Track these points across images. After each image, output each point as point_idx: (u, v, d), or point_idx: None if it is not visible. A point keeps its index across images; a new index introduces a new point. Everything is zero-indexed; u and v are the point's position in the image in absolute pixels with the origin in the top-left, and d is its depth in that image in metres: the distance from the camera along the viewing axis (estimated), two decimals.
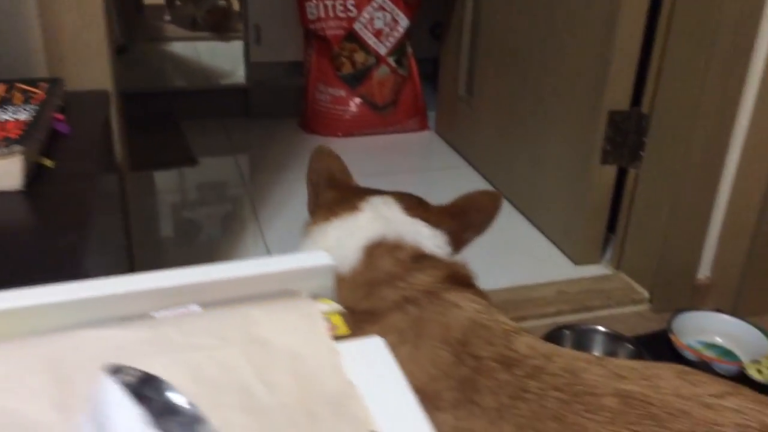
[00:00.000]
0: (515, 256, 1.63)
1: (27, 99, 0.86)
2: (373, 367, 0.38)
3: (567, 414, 0.57)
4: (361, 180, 0.97)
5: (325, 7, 2.17)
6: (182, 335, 0.36)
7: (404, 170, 2.20)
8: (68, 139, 0.86)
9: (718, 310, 1.39)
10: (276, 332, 0.37)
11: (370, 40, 2.23)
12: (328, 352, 0.37)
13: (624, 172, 1.50)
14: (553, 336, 1.27)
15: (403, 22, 2.24)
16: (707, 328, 1.33)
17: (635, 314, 1.43)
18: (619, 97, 1.43)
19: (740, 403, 0.57)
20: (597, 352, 1.28)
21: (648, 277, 1.46)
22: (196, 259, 1.59)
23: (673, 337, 1.27)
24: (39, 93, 0.88)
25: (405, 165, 2.24)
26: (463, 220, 0.86)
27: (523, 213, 1.79)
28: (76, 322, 0.37)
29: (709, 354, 1.28)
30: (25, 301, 0.38)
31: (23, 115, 0.81)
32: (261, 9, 2.30)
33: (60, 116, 0.88)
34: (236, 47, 2.58)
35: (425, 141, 2.38)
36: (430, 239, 0.80)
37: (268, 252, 1.61)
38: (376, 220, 0.80)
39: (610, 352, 1.27)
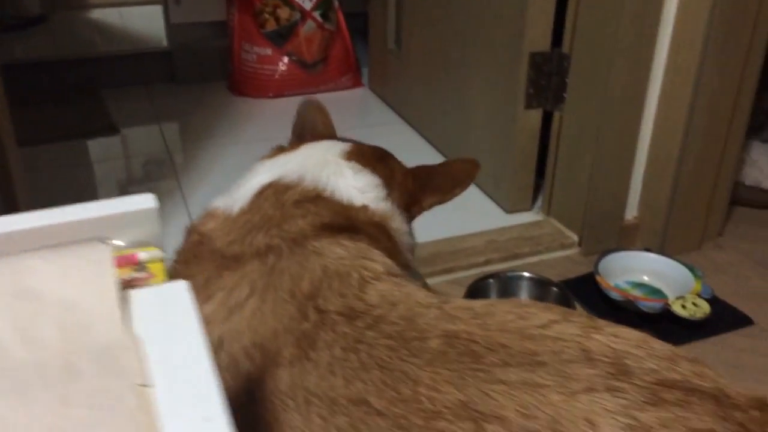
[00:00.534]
0: (447, 208, 1.59)
1: None
2: (168, 316, 0.33)
3: (392, 360, 0.55)
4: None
5: None
6: None
7: (337, 129, 2.14)
8: None
9: (647, 250, 1.38)
10: (51, 282, 0.33)
11: None
12: (107, 301, 0.32)
13: (549, 115, 1.47)
14: (478, 286, 1.24)
15: None
16: (634, 268, 1.32)
17: (565, 259, 1.42)
18: (539, 38, 1.39)
19: (563, 330, 0.55)
20: (524, 299, 1.26)
21: (577, 221, 1.44)
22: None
23: (599, 278, 1.25)
24: None
25: (337, 124, 2.17)
26: (425, 183, 0.84)
27: None
28: None
29: (636, 293, 1.28)
30: None
31: None
32: None
33: None
34: (159, 10, 2.47)
35: (359, 98, 2.32)
36: (356, 188, 0.78)
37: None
38: (290, 162, 0.78)
39: (536, 298, 1.25)
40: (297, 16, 2.15)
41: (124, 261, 0.38)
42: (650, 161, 1.37)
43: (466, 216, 1.55)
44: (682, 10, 1.24)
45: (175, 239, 0.76)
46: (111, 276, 0.34)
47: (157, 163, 1.84)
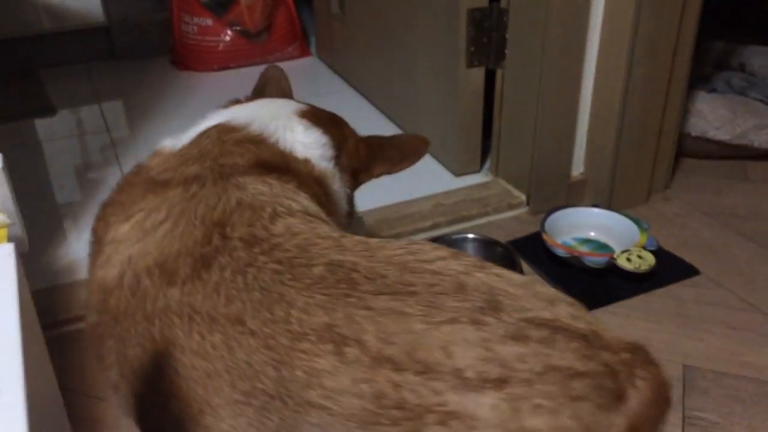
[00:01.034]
0: (398, 174, 1.57)
1: None
2: None
3: (274, 284, 0.56)
4: None
5: None
6: None
7: None
8: None
9: (595, 206, 1.37)
10: None
11: None
12: None
13: (492, 73, 1.44)
14: None
15: None
16: (581, 224, 1.31)
17: (513, 219, 1.40)
18: None
19: (446, 265, 0.55)
20: None
21: (524, 181, 1.42)
22: (50, 215, 1.47)
23: (545, 236, 1.24)
24: None
25: None
26: (377, 152, 0.87)
27: (402, 129, 1.72)
28: None
29: (582, 249, 1.26)
30: None
31: None
32: None
33: None
34: None
35: (307, 67, 2.26)
36: (303, 142, 0.79)
37: None
38: (242, 110, 0.81)
39: (482, 258, 1.23)
40: None
41: None
42: (593, 115, 1.35)
43: (416, 181, 1.52)
44: None
45: None
46: None
47: (95, 142, 1.78)
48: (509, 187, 1.46)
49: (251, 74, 2.31)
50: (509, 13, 1.33)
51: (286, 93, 0.94)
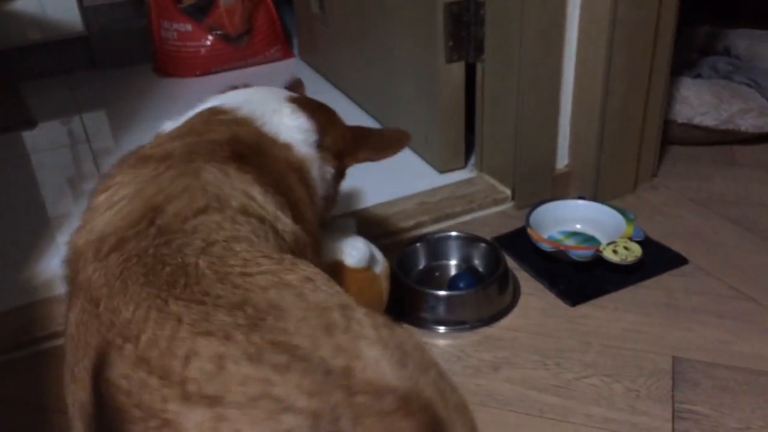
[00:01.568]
0: (381, 173, 1.53)
1: None
2: None
3: (132, 275, 0.58)
4: None
5: None
6: None
7: None
8: None
9: (581, 198, 1.35)
10: None
11: None
12: None
13: (472, 68, 1.42)
14: (408, 253, 1.20)
15: None
16: (567, 217, 1.28)
17: (499, 214, 1.38)
18: None
19: (264, 279, 0.58)
20: (453, 259, 1.22)
21: (508, 175, 1.40)
22: (31, 229, 1.45)
23: (529, 231, 1.21)
24: None
25: None
26: (362, 139, 0.95)
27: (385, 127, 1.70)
28: None
29: (569, 243, 1.24)
30: None
31: None
32: None
33: None
34: None
35: (290, 69, 2.24)
36: (287, 126, 0.85)
37: None
38: (236, 95, 0.88)
39: (466, 256, 1.21)
40: None
41: None
42: (576, 106, 1.33)
43: (400, 179, 1.50)
44: None
45: None
46: None
47: (75, 154, 1.76)
48: (494, 182, 1.44)
49: (234, 78, 2.31)
50: (486, 5, 1.31)
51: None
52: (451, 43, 1.38)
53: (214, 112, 0.84)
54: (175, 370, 0.49)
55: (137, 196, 0.67)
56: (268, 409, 0.46)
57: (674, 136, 1.54)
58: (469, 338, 1.06)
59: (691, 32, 1.83)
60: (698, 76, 1.65)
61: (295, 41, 2.32)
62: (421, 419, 0.48)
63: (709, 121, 1.51)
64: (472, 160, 1.53)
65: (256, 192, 0.72)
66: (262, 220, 0.70)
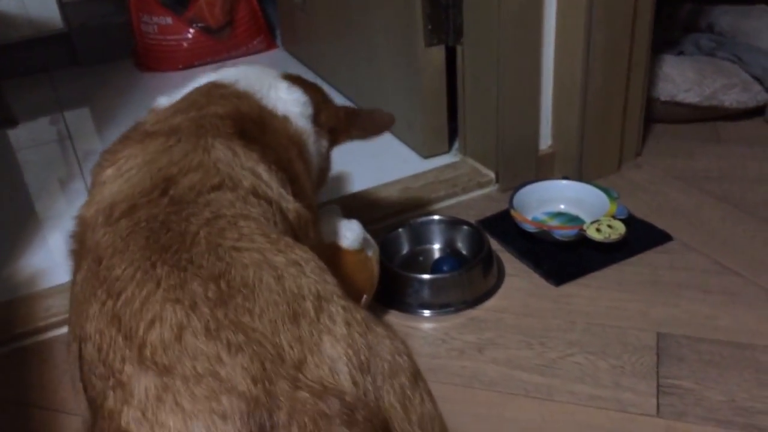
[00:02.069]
0: (365, 160, 1.53)
1: None
2: None
3: (136, 238, 0.59)
4: None
5: None
6: None
7: None
8: None
9: (565, 178, 1.34)
10: None
11: None
12: None
13: (453, 51, 1.40)
14: (391, 238, 1.19)
15: None
16: (550, 198, 1.28)
17: (483, 197, 1.37)
18: None
19: (251, 256, 0.57)
20: (437, 243, 1.21)
21: (492, 158, 1.39)
22: (12, 226, 1.43)
23: (513, 213, 1.21)
24: None
25: None
26: (352, 117, 0.99)
27: None
28: None
29: (553, 223, 1.24)
30: None
31: None
32: None
33: None
34: None
35: (274, 60, 2.22)
36: (284, 99, 0.88)
37: None
38: (231, 71, 0.90)
39: (449, 239, 1.20)
40: None
41: None
42: (557, 86, 1.32)
43: (385, 166, 1.49)
44: None
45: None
46: None
47: (57, 151, 1.74)
48: (477, 165, 1.43)
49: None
50: None
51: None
52: (429, 27, 1.37)
53: (213, 86, 0.86)
54: (138, 332, 0.50)
55: (147, 167, 0.69)
56: (210, 388, 0.46)
57: (658, 114, 1.53)
58: (453, 321, 1.06)
59: (674, 10, 1.82)
60: (681, 53, 1.64)
61: (278, 32, 2.31)
62: (362, 429, 0.47)
63: (692, 98, 1.50)
64: (456, 144, 1.53)
65: (262, 170, 0.73)
66: (270, 202, 0.70)
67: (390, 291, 1.09)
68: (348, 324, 0.53)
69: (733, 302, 1.03)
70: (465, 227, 1.19)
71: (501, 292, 1.11)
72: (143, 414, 0.46)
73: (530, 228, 1.18)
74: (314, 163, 0.92)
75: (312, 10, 1.90)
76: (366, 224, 1.31)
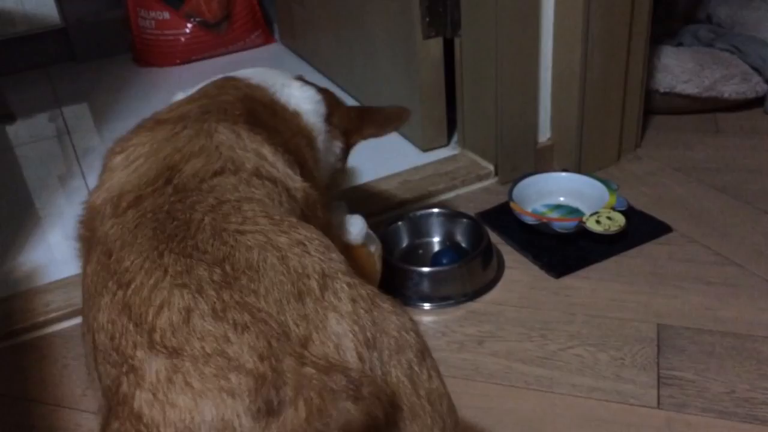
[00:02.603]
0: (364, 154, 1.52)
1: None
2: None
3: (142, 229, 0.60)
4: None
5: None
6: None
7: None
8: None
9: (564, 170, 1.34)
10: None
11: None
12: None
13: (451, 43, 1.40)
14: (390, 231, 1.19)
15: None
16: (550, 191, 1.28)
17: (482, 190, 1.37)
18: None
19: (254, 238, 0.58)
20: (436, 236, 1.21)
21: (491, 150, 1.39)
22: (11, 221, 1.43)
23: (512, 205, 1.21)
24: None
25: None
26: (365, 117, 1.01)
27: None
28: None
29: (553, 215, 1.23)
30: None
31: None
32: None
33: None
34: None
35: (272, 55, 2.22)
36: (297, 96, 0.90)
37: None
38: (246, 71, 0.92)
39: (448, 232, 1.20)
40: None
41: None
42: (556, 78, 1.32)
43: (384, 159, 1.49)
44: None
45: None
46: None
47: (55, 147, 1.74)
48: (476, 158, 1.43)
49: (215, 66, 2.29)
50: None
51: None
52: (427, 19, 1.36)
53: (227, 79, 0.89)
54: (147, 318, 0.50)
55: (154, 156, 0.70)
56: (218, 366, 0.47)
57: (657, 105, 1.53)
58: (453, 314, 1.06)
59: (673, 1, 1.81)
60: (680, 44, 1.63)
61: (275, 26, 2.30)
62: (369, 404, 0.47)
63: (691, 89, 1.49)
64: (456, 137, 1.52)
65: (267, 151, 0.74)
66: (274, 181, 0.70)
67: (389, 284, 1.09)
68: (353, 300, 0.53)
69: (733, 293, 1.03)
70: (464, 220, 1.19)
71: (501, 284, 1.11)
72: (154, 396, 0.47)
73: (530, 220, 1.18)
74: (324, 161, 0.93)
75: (309, 3, 1.89)
76: (366, 218, 1.31)
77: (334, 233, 0.90)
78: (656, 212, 1.23)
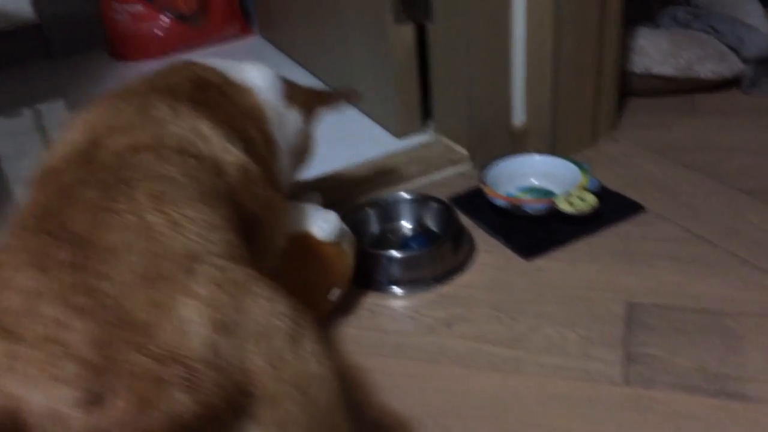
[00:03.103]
0: (338, 140, 1.51)
1: None
2: None
3: (55, 195, 0.60)
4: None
5: None
6: None
7: None
8: None
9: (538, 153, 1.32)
10: None
11: None
12: None
13: (423, 28, 1.38)
14: (358, 216, 1.17)
15: None
16: (522, 173, 1.26)
17: (457, 175, 1.35)
18: None
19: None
20: (405, 221, 1.20)
21: (465, 135, 1.37)
22: None
23: (484, 188, 1.19)
24: None
25: None
26: (321, 94, 1.04)
27: None
28: None
29: (526, 197, 1.22)
30: None
31: None
32: None
33: None
34: None
35: (250, 47, 2.20)
36: (252, 75, 0.91)
37: None
38: (211, 59, 0.93)
39: (418, 216, 1.19)
40: None
41: None
42: (529, 61, 1.30)
43: (358, 146, 1.47)
44: None
45: None
46: None
47: (32, 145, 1.72)
48: (450, 143, 1.42)
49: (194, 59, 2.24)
50: None
51: None
52: (401, 5, 1.35)
53: (184, 62, 0.90)
54: None
55: (90, 125, 0.70)
56: (53, 353, 0.44)
57: (634, 87, 1.52)
58: (423, 297, 1.04)
59: None
60: (658, 26, 1.62)
61: (254, 18, 2.28)
62: (205, 394, 0.45)
63: (667, 69, 1.48)
64: (432, 123, 1.51)
65: (205, 126, 0.73)
66: (201, 158, 0.69)
67: (360, 269, 1.08)
68: (217, 285, 0.51)
69: (703, 270, 1.02)
70: (434, 204, 1.18)
71: (472, 267, 1.09)
72: None
73: (501, 203, 1.16)
74: (279, 137, 0.91)
75: None
76: (337, 205, 1.30)
77: (281, 215, 0.87)
78: (631, 192, 1.22)
